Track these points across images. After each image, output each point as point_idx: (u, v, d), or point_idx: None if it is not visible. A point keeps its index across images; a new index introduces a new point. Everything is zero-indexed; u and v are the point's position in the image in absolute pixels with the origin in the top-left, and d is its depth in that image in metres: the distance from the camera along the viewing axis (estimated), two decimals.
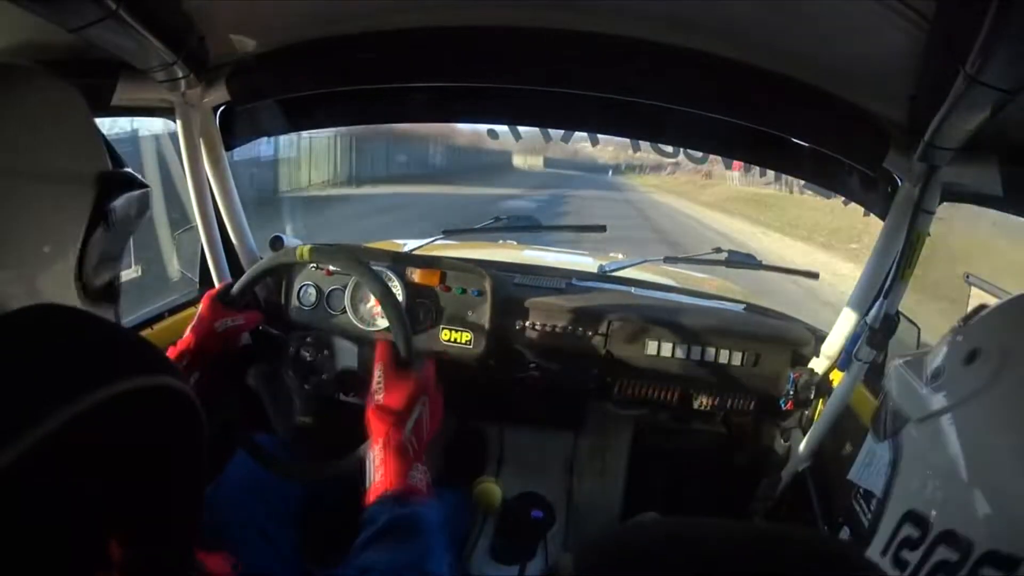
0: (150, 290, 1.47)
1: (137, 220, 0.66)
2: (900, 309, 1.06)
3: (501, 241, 2.07)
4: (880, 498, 0.56)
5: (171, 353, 0.93)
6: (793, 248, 10.82)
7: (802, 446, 1.26)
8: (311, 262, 0.95)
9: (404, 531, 0.69)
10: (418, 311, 1.28)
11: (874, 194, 1.15)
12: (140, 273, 1.44)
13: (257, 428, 0.99)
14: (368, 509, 0.72)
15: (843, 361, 1.13)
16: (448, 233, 1.67)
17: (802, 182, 1.33)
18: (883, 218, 1.11)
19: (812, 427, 1.25)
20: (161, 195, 1.49)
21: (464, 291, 1.29)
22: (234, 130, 1.24)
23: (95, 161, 0.59)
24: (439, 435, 0.85)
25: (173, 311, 1.30)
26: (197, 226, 1.26)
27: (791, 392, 1.25)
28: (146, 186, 0.65)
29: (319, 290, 1.31)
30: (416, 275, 1.30)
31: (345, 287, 1.30)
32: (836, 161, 1.10)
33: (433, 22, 0.96)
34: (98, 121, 0.63)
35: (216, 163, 1.22)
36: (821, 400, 1.25)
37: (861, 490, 0.65)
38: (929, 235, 1.01)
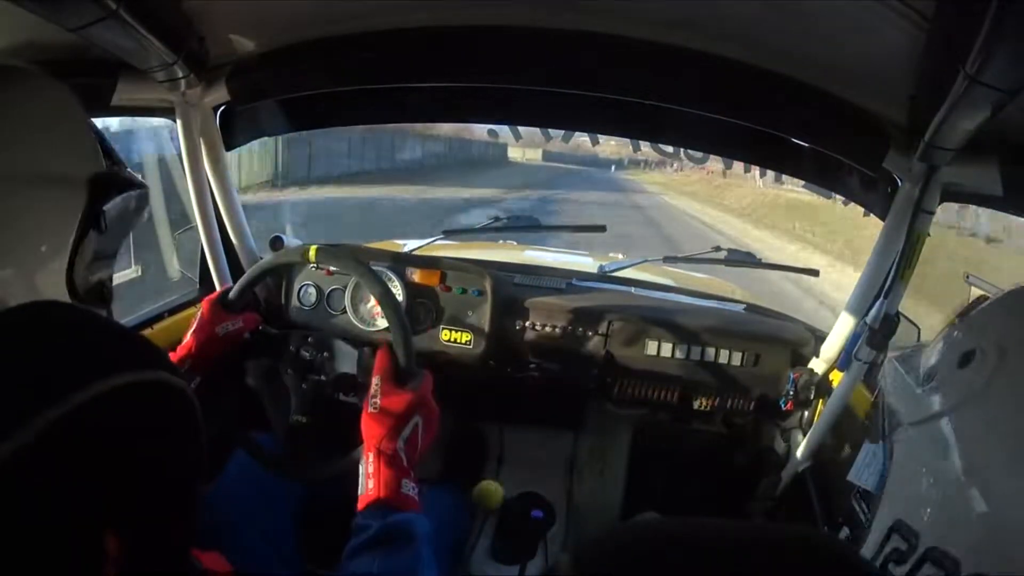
0: (150, 290, 1.47)
1: (134, 220, 0.66)
2: (900, 309, 1.06)
3: (501, 241, 2.07)
4: (875, 499, 0.55)
5: (172, 359, 0.93)
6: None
7: (802, 446, 1.26)
8: (313, 263, 0.95)
9: (395, 540, 0.69)
10: (418, 311, 1.28)
11: (874, 194, 1.15)
12: (140, 273, 1.44)
13: (257, 428, 0.99)
14: (358, 517, 0.72)
15: (843, 361, 1.13)
16: (448, 233, 1.67)
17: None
18: (883, 218, 1.11)
19: (812, 427, 1.25)
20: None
21: (464, 291, 1.29)
22: (234, 130, 1.24)
23: (90, 162, 0.59)
24: (439, 435, 0.85)
25: (173, 311, 1.30)
26: (197, 226, 1.26)
27: (791, 392, 1.25)
28: (143, 186, 0.65)
29: (319, 290, 1.31)
30: (416, 275, 1.30)
31: (345, 287, 1.30)
32: (836, 161, 1.10)
33: (433, 22, 0.96)
34: (109, 120, 0.63)
35: (216, 163, 1.22)
36: (821, 400, 1.25)
37: (861, 490, 0.65)
38: (929, 235, 1.01)
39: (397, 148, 19.28)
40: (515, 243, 2.08)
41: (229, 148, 1.25)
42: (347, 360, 1.01)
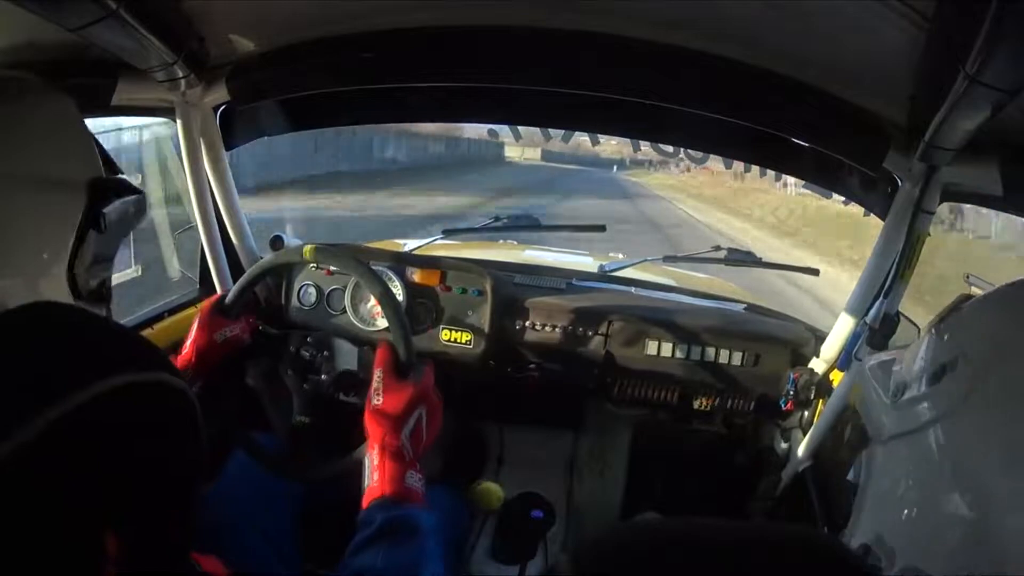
0: (150, 290, 1.47)
1: (133, 224, 0.66)
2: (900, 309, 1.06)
3: (501, 241, 2.07)
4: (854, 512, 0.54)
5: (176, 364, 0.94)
6: None
7: (802, 446, 1.26)
8: (311, 263, 0.96)
9: (399, 533, 0.69)
10: (418, 311, 1.28)
11: (874, 194, 1.15)
12: (140, 273, 1.44)
13: (257, 428, 0.99)
14: (363, 512, 0.72)
15: (843, 361, 1.12)
16: (448, 233, 1.67)
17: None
18: (883, 218, 1.11)
19: (812, 427, 1.25)
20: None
21: (464, 291, 1.29)
22: (234, 130, 1.24)
23: (88, 168, 0.60)
24: (439, 435, 0.85)
25: (173, 311, 1.30)
26: (197, 226, 1.26)
27: (791, 392, 1.25)
28: (140, 192, 0.65)
29: (319, 290, 1.31)
30: (416, 275, 1.30)
31: (345, 287, 1.30)
32: (836, 161, 1.10)
33: (433, 22, 0.96)
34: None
35: (216, 163, 1.22)
36: (821, 400, 1.25)
37: None
38: (929, 235, 1.01)
39: (376, 147, 16.78)
40: (515, 243, 2.08)
41: (229, 148, 1.25)
42: (347, 357, 1.01)
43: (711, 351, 1.30)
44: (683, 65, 0.94)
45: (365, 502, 0.73)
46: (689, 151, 1.34)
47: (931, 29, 0.67)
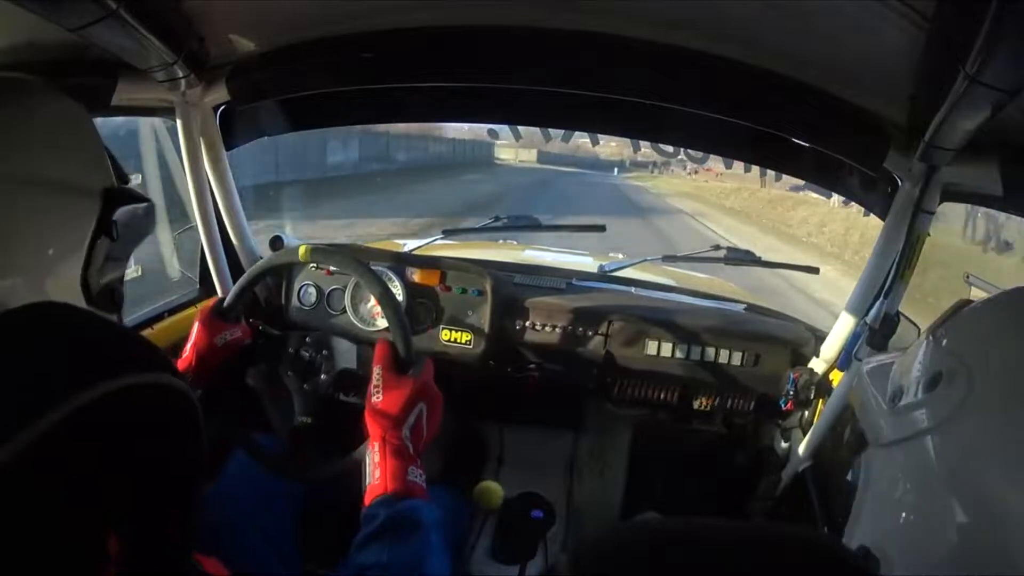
0: (151, 290, 1.47)
1: (143, 232, 0.67)
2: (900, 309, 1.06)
3: (501, 241, 2.07)
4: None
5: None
6: None
7: (802, 446, 1.26)
8: (309, 262, 0.96)
9: (402, 529, 0.69)
10: (418, 311, 1.28)
11: (874, 194, 1.15)
12: (140, 273, 1.44)
13: (257, 428, 0.99)
14: (366, 508, 0.72)
15: (843, 361, 1.13)
16: (448, 233, 1.67)
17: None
18: (883, 218, 1.11)
19: (812, 427, 1.25)
20: None
21: (464, 291, 1.29)
22: (234, 130, 1.24)
23: (101, 176, 0.60)
24: (439, 435, 0.85)
25: (173, 311, 1.30)
26: (197, 226, 1.26)
27: (791, 392, 1.25)
28: (149, 201, 0.66)
29: (319, 290, 1.31)
30: (416, 275, 1.30)
31: (345, 287, 1.30)
32: (836, 161, 1.10)
33: (433, 22, 0.96)
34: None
35: (216, 163, 1.22)
36: (821, 400, 1.25)
37: None
38: (929, 235, 1.01)
39: (333, 149, 14.00)
40: (515, 243, 2.08)
41: (229, 148, 1.25)
42: (347, 356, 1.01)
43: (711, 351, 1.30)
44: (683, 65, 0.94)
45: (367, 499, 0.73)
46: (689, 151, 1.34)
47: (931, 29, 0.67)
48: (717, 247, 1.62)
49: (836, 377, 1.21)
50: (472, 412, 1.51)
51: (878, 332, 1.05)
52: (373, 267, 0.97)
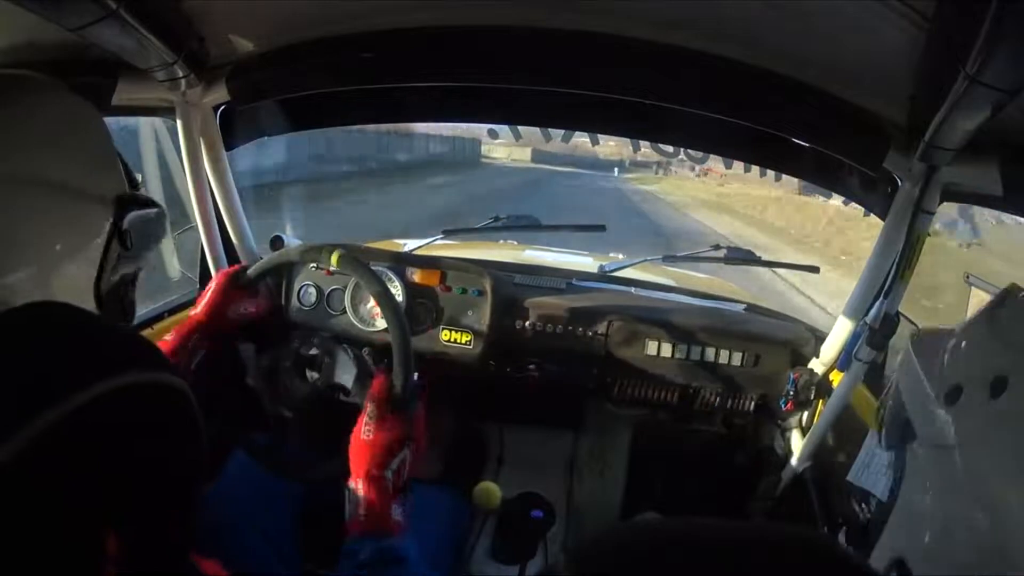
0: (150, 289, 1.47)
1: (156, 237, 0.67)
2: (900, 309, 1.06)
3: (501, 241, 2.07)
4: (880, 507, 0.50)
5: (183, 328, 0.95)
6: None
7: (802, 446, 1.26)
8: (338, 268, 0.95)
9: (388, 564, 0.70)
10: (418, 311, 1.28)
11: (874, 194, 1.15)
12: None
13: (257, 428, 0.99)
14: (348, 542, 0.73)
15: (843, 361, 1.13)
16: (448, 233, 1.67)
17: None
18: (883, 218, 1.11)
19: (812, 427, 1.25)
20: None
21: (464, 291, 1.29)
22: (234, 130, 1.24)
23: (114, 181, 0.60)
24: (439, 435, 0.85)
25: (173, 311, 1.30)
26: (197, 226, 1.26)
27: (791, 392, 1.25)
28: (159, 206, 0.67)
29: (319, 290, 1.31)
30: (416, 275, 1.30)
31: (345, 288, 1.30)
32: (836, 161, 1.10)
33: (433, 22, 0.96)
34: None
35: (216, 163, 1.22)
36: (821, 400, 1.25)
37: (861, 490, 0.63)
38: (929, 235, 1.01)
39: (259, 151, 8.93)
40: (515, 243, 2.08)
41: (229, 148, 1.25)
42: (345, 373, 1.01)
43: (711, 351, 1.30)
44: (683, 65, 0.94)
45: (349, 531, 0.74)
46: (689, 151, 1.34)
47: (931, 29, 0.66)
48: (717, 246, 1.62)
49: (836, 377, 1.21)
50: (472, 412, 1.51)
51: (878, 332, 1.05)
52: (373, 267, 0.97)
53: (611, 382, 1.35)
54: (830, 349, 1.23)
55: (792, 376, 1.26)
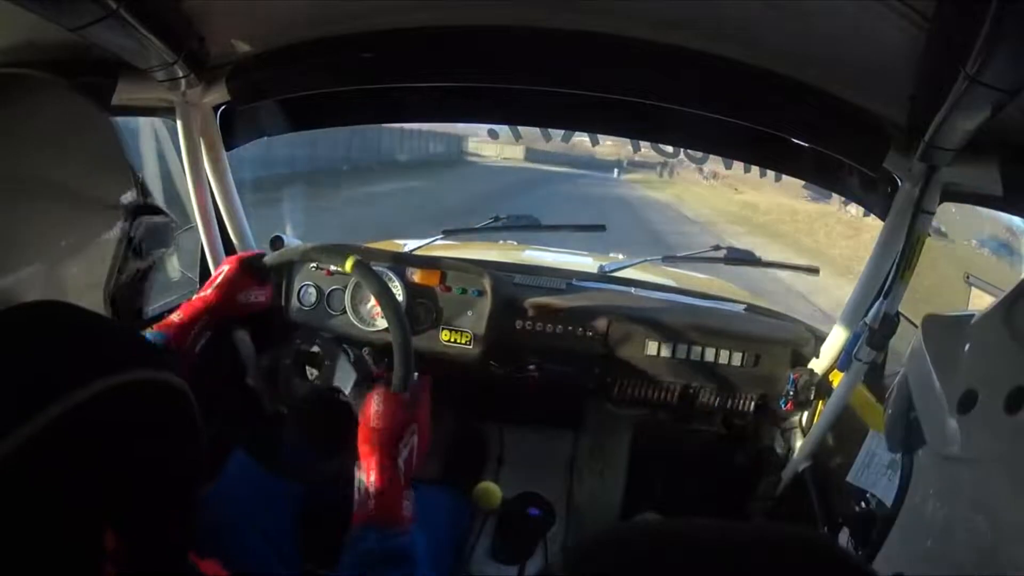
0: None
1: (164, 247, 0.68)
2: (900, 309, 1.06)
3: (501, 241, 2.07)
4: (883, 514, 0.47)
5: (191, 307, 0.94)
6: None
7: (802, 446, 1.26)
8: (348, 274, 0.95)
9: (394, 560, 0.70)
10: (418, 311, 1.28)
11: (874, 194, 1.15)
12: None
13: (257, 428, 0.99)
14: (354, 532, 0.72)
15: (843, 361, 1.12)
16: (448, 233, 1.67)
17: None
18: (883, 218, 1.11)
19: (812, 427, 1.25)
20: None
21: (464, 291, 1.29)
22: (234, 130, 1.24)
23: (126, 189, 0.60)
24: (439, 435, 0.85)
25: (173, 311, 1.30)
26: (197, 226, 1.26)
27: (791, 392, 1.25)
28: (169, 215, 0.67)
29: (319, 290, 1.31)
30: (416, 275, 1.30)
31: (345, 287, 1.30)
32: (836, 161, 1.10)
33: (433, 22, 0.96)
34: None
35: (216, 163, 1.22)
36: (821, 400, 1.25)
37: (860, 491, 0.63)
38: (929, 235, 1.01)
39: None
40: (515, 243, 2.08)
41: (229, 148, 1.25)
42: (345, 377, 1.01)
43: (711, 351, 1.30)
44: (683, 65, 0.94)
45: (356, 518, 0.73)
46: (689, 151, 1.34)
47: (931, 29, 0.66)
48: (717, 247, 1.62)
49: (836, 378, 1.21)
50: (472, 412, 1.51)
51: (878, 332, 1.05)
52: (373, 267, 0.97)
53: (611, 382, 1.35)
54: (830, 349, 1.23)
55: (792, 376, 1.26)
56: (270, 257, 1.01)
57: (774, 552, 0.31)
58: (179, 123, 1.13)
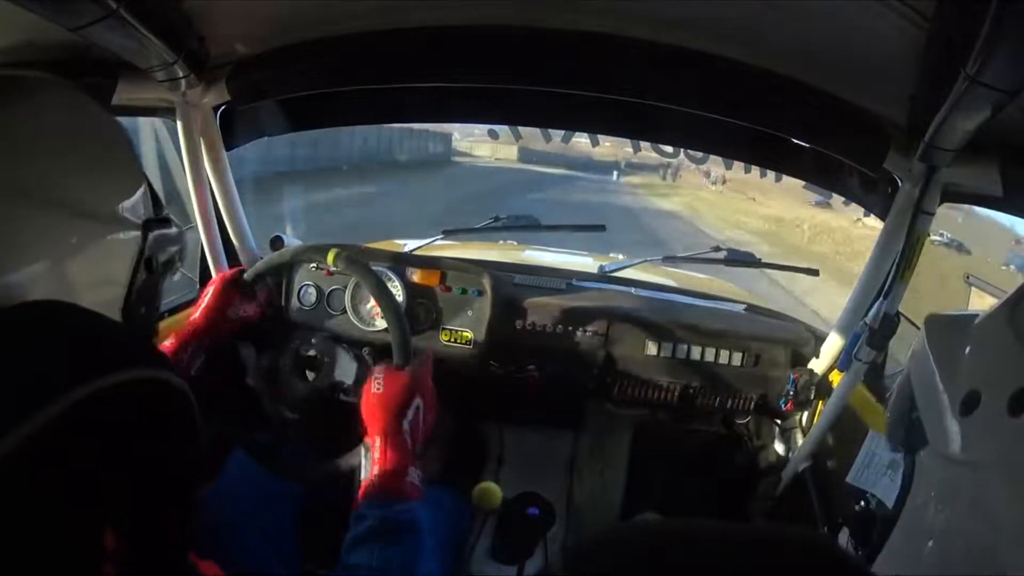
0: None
1: (178, 260, 0.67)
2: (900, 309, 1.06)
3: (501, 241, 2.07)
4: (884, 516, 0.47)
5: (181, 334, 0.95)
6: None
7: (802, 446, 1.26)
8: (335, 267, 0.97)
9: (396, 531, 0.69)
10: (418, 312, 1.28)
11: (874, 195, 1.15)
12: None
13: (257, 428, 0.99)
14: (359, 505, 0.72)
15: (843, 361, 1.12)
16: (448, 233, 1.67)
17: None
18: (883, 218, 1.11)
19: (812, 427, 1.25)
20: None
21: (464, 291, 1.29)
22: (234, 130, 1.24)
23: (135, 196, 0.60)
24: (439, 435, 0.85)
25: (173, 311, 1.30)
26: (197, 226, 1.26)
27: (791, 392, 1.25)
28: (181, 227, 0.67)
29: (319, 290, 1.31)
30: (416, 275, 1.30)
31: (345, 287, 1.30)
32: (836, 161, 1.10)
33: (433, 22, 0.96)
34: None
35: (216, 163, 1.22)
36: (821, 400, 1.25)
37: (860, 491, 0.63)
38: (929, 235, 1.01)
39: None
40: (515, 243, 2.08)
41: (229, 148, 1.25)
42: (346, 372, 1.01)
43: (711, 351, 1.30)
44: (683, 65, 0.94)
45: (362, 493, 0.73)
46: (689, 151, 1.34)
47: (931, 29, 0.66)
48: (717, 248, 1.62)
49: (836, 378, 1.21)
50: (472, 412, 1.50)
51: (878, 332, 1.05)
52: (373, 267, 0.97)
53: (611, 382, 1.35)
54: (830, 349, 1.23)
55: (792, 376, 1.26)
56: (250, 271, 1.01)
57: (774, 552, 0.31)
58: (179, 123, 1.13)
